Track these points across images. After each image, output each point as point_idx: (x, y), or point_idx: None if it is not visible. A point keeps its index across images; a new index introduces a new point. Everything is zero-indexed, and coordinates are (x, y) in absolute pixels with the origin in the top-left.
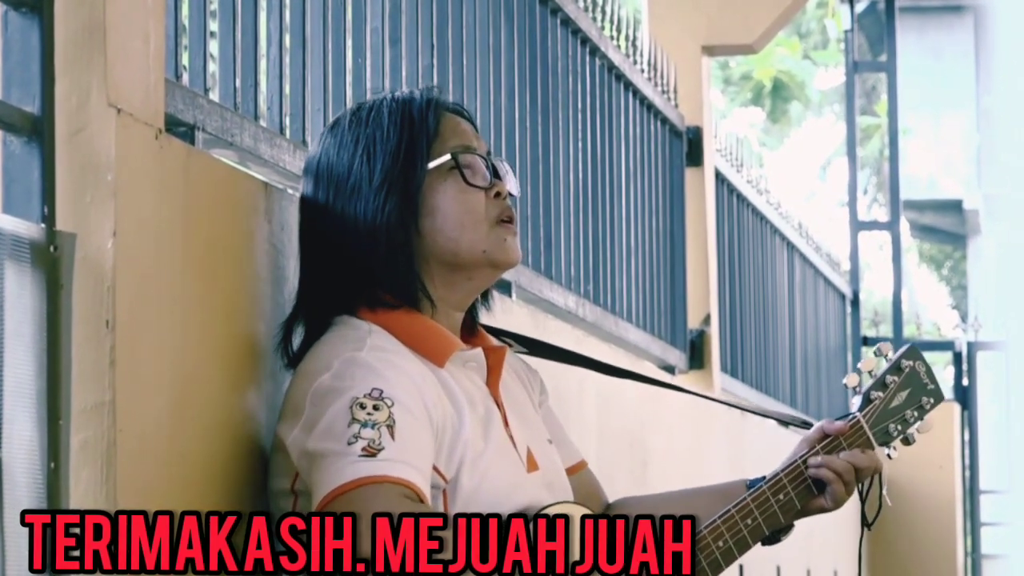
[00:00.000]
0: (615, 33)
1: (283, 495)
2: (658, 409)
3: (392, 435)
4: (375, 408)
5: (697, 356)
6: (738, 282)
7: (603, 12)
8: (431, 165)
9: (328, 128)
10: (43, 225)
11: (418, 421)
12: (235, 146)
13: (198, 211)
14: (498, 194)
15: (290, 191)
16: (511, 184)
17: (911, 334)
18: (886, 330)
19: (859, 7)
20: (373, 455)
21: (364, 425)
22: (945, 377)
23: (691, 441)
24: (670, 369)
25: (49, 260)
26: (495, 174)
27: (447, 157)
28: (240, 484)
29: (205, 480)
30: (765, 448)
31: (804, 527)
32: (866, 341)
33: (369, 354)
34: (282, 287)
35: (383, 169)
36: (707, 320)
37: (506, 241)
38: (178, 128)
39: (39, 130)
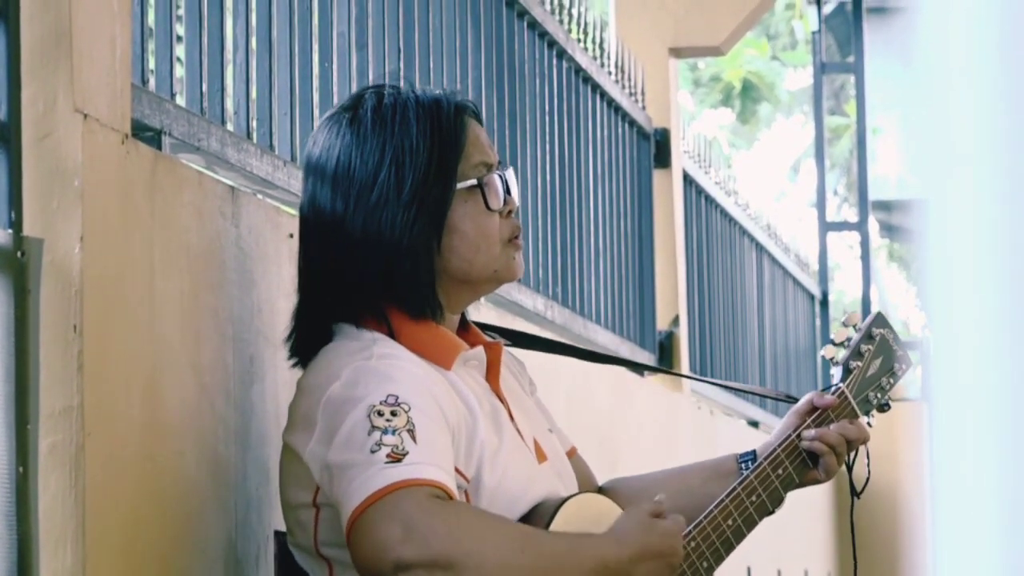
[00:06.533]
0: (582, 36)
1: (303, 508)
2: (627, 409)
3: (414, 439)
4: (393, 414)
5: (666, 357)
6: (707, 283)
7: (570, 15)
8: (459, 187)
9: (346, 121)
10: (10, 230)
11: (435, 423)
12: (202, 151)
13: (165, 215)
14: (510, 212)
15: (258, 195)
16: (515, 193)
17: None
18: None
19: (827, 8)
20: (399, 460)
21: (385, 432)
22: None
23: (660, 440)
24: (638, 370)
25: (16, 265)
26: (507, 189)
27: (473, 181)
28: (208, 487)
29: (173, 484)
30: (734, 447)
31: (775, 525)
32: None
33: (378, 362)
34: (249, 291)
35: (413, 186)
36: (676, 321)
37: (514, 259)
38: (145, 133)
39: (5, 136)
